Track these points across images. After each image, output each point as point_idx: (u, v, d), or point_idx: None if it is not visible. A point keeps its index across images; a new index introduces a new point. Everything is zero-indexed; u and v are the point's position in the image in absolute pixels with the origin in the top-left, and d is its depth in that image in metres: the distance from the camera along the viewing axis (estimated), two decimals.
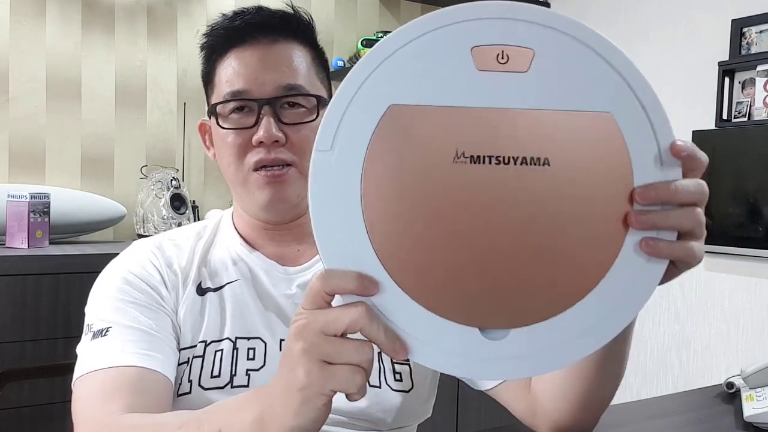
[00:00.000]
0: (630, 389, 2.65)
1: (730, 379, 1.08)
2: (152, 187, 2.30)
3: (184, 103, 2.49)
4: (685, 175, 0.50)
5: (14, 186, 2.11)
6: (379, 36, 2.74)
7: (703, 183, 0.51)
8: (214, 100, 0.86)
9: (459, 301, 0.49)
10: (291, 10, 0.88)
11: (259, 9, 0.86)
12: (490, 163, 0.49)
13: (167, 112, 2.47)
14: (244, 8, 0.87)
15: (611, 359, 0.71)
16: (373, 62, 0.50)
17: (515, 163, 0.49)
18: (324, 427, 0.52)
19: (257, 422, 0.53)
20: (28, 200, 1.95)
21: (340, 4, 2.78)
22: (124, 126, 2.40)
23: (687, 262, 0.51)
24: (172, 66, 2.47)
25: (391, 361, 0.84)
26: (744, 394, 1.01)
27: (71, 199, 2.15)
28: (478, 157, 0.49)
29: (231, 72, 0.84)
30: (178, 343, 0.82)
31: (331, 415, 0.77)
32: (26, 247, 1.94)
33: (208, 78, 0.88)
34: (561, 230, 0.49)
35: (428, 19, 0.49)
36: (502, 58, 0.49)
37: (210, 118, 0.88)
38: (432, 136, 0.49)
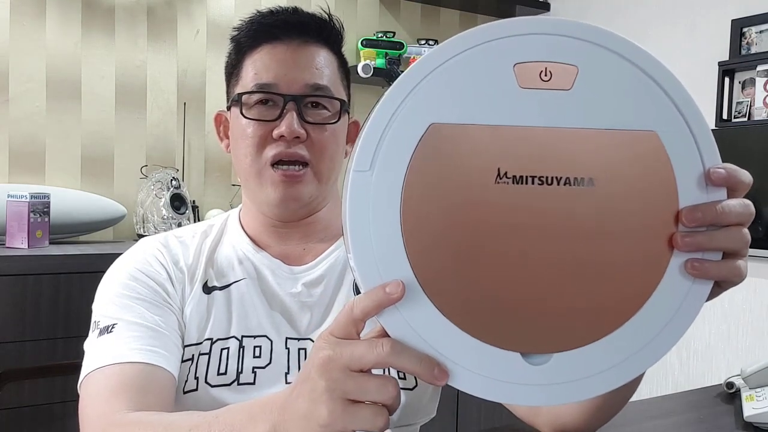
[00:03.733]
0: None
1: (730, 379, 1.08)
2: (152, 187, 2.30)
3: (184, 103, 2.49)
4: (729, 196, 0.49)
5: (14, 186, 2.11)
6: (380, 36, 2.74)
7: (749, 203, 0.50)
8: (238, 91, 0.87)
9: (500, 325, 0.48)
10: (326, 16, 0.89)
11: (296, 10, 0.88)
12: (533, 183, 0.48)
13: (167, 112, 2.47)
14: (280, 6, 0.89)
15: None
16: (412, 80, 0.48)
17: (558, 184, 0.48)
18: None
19: None
20: (28, 200, 1.95)
21: (340, 4, 2.78)
22: (124, 126, 2.40)
23: (732, 281, 0.51)
24: (172, 66, 2.47)
25: None
26: (744, 394, 1.01)
27: (71, 199, 2.15)
28: (521, 177, 0.48)
29: (261, 65, 0.85)
30: (183, 340, 0.83)
31: None
32: (26, 247, 1.94)
33: (234, 69, 0.89)
34: (605, 252, 0.48)
35: (469, 35, 0.48)
36: (546, 75, 0.48)
37: (229, 109, 0.89)
38: (473, 155, 0.48)
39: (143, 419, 0.67)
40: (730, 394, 1.07)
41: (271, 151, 0.83)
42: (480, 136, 0.48)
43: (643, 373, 0.70)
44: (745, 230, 0.50)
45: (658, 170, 0.48)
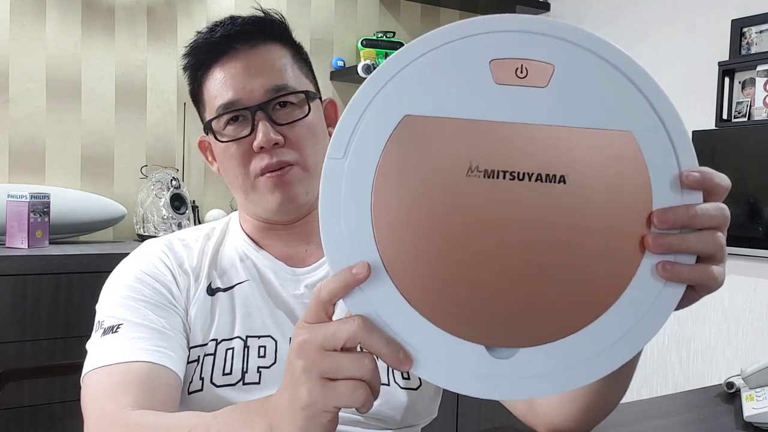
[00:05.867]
0: (630, 389, 2.64)
1: (730, 379, 1.08)
2: (152, 187, 2.30)
3: (184, 103, 2.49)
4: (705, 199, 0.49)
5: (14, 186, 2.11)
6: (380, 36, 2.74)
7: (724, 207, 0.49)
8: (207, 117, 0.87)
9: (466, 317, 0.48)
10: (262, 14, 0.89)
11: (233, 19, 0.87)
12: (504, 178, 0.48)
13: (167, 112, 2.47)
14: (216, 22, 0.88)
15: (621, 369, 0.71)
16: (389, 72, 0.49)
17: (530, 179, 0.48)
18: (338, 427, 0.53)
19: None
20: (28, 200, 1.95)
21: (340, 4, 2.78)
22: (124, 126, 2.40)
23: (707, 286, 0.50)
24: (172, 66, 2.47)
25: None
26: (744, 394, 1.01)
27: (71, 199, 2.15)
28: (492, 171, 0.48)
29: (218, 85, 0.85)
30: (188, 342, 0.83)
31: (345, 414, 0.78)
32: (26, 247, 1.94)
33: (197, 96, 0.89)
34: (574, 250, 0.48)
35: (447, 30, 0.49)
36: (521, 72, 0.48)
37: (207, 134, 0.89)
38: (446, 148, 0.48)
39: (145, 420, 0.68)
40: (730, 394, 1.07)
41: (257, 165, 0.83)
42: (453, 130, 0.48)
43: (633, 374, 0.70)
44: (720, 234, 0.49)
45: (632, 171, 0.48)
